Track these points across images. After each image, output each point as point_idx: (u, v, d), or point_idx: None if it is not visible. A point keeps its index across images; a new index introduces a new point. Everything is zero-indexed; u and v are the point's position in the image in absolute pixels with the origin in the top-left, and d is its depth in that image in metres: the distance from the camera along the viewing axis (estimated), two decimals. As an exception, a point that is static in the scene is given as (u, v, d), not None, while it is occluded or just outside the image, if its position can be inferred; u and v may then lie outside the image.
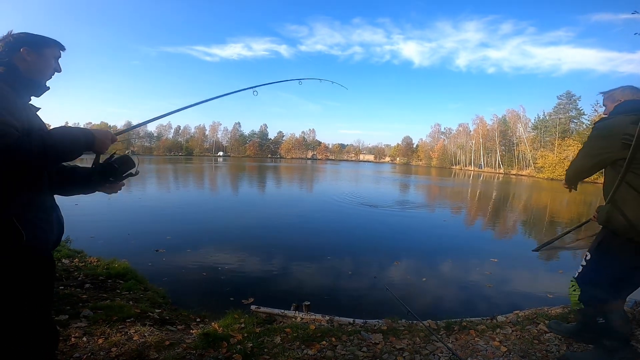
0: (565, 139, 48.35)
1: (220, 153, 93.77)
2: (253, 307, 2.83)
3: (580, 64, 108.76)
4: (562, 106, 54.00)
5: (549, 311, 2.74)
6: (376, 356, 1.98)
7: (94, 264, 4.06)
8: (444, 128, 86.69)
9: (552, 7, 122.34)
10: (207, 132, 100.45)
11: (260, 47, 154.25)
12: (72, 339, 1.97)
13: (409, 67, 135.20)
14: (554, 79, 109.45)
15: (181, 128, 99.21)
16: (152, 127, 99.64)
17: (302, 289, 4.32)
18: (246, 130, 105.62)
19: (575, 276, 1.96)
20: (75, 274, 3.64)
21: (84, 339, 2.00)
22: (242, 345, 2.06)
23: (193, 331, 2.34)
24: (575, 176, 2.01)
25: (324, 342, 2.14)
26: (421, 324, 2.27)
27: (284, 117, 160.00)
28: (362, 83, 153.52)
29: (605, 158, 1.76)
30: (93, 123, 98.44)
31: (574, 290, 1.95)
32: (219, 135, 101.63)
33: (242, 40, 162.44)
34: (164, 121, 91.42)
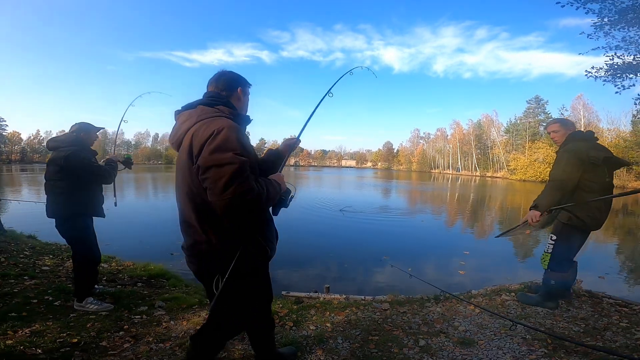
0: (535, 141, 51.14)
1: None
2: (283, 292, 3.55)
3: (550, 68, 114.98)
4: (531, 110, 57.21)
5: (510, 286, 3.61)
6: (387, 317, 2.78)
7: (131, 267, 4.65)
8: (423, 133, 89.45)
9: (523, 12, 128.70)
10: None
11: (241, 53, 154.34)
12: (164, 324, 2.64)
13: (389, 72, 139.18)
14: (524, 83, 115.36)
15: (159, 136, 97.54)
16: (129, 135, 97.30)
17: (312, 279, 5.09)
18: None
19: (548, 250, 2.93)
20: (120, 275, 4.23)
21: (172, 322, 2.66)
22: (288, 316, 2.79)
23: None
24: (567, 187, 2.77)
25: (347, 311, 2.91)
26: (419, 295, 3.10)
27: (265, 124, 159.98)
28: (343, 89, 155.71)
29: (579, 173, 2.73)
30: (66, 130, 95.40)
31: (544, 260, 2.96)
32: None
33: (223, 46, 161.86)
34: (142, 129, 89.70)
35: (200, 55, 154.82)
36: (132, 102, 3.67)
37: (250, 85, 1.65)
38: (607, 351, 2.20)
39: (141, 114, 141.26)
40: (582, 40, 7.50)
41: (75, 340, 2.29)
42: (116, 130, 3.81)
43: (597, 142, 2.97)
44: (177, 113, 1.57)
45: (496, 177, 54.80)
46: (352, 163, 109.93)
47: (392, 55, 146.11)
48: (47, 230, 6.55)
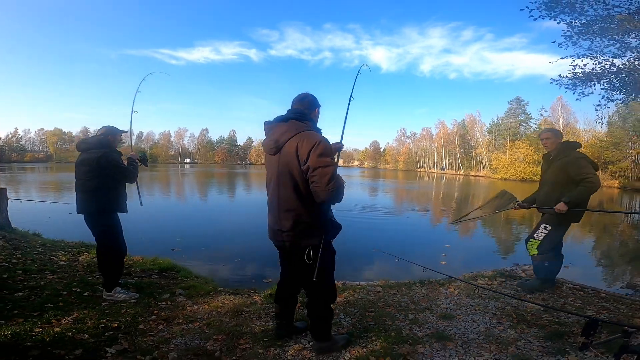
0: (516, 141, 52.92)
1: (187, 160, 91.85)
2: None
3: (532, 69, 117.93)
4: (512, 111, 59.16)
5: (484, 273, 4.14)
6: (380, 298, 3.25)
7: (141, 261, 4.96)
8: (409, 132, 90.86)
9: (508, 13, 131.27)
10: (172, 139, 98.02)
11: (229, 51, 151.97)
12: (188, 308, 3.01)
13: (377, 72, 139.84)
14: (508, 84, 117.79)
15: (144, 134, 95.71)
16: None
17: None
18: (214, 136, 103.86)
19: (539, 238, 3.45)
20: (133, 269, 4.55)
21: (195, 306, 3.04)
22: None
23: (254, 297, 3.45)
24: (594, 189, 3.29)
25: (345, 293, 3.35)
26: (406, 280, 3.59)
27: (253, 123, 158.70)
28: (331, 88, 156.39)
29: None
30: (45, 129, 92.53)
31: (532, 245, 3.50)
32: (185, 142, 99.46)
33: (210, 44, 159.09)
34: (124, 127, 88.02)
35: (187, 53, 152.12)
36: (138, 87, 3.89)
37: (321, 105, 2.22)
38: (561, 310, 2.74)
39: (122, 111, 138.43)
40: (557, 39, 8.08)
41: (116, 325, 2.58)
42: (129, 123, 3.93)
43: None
44: (269, 124, 2.13)
45: (479, 176, 56.43)
46: (340, 162, 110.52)
47: (380, 55, 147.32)
48: (48, 227, 6.80)
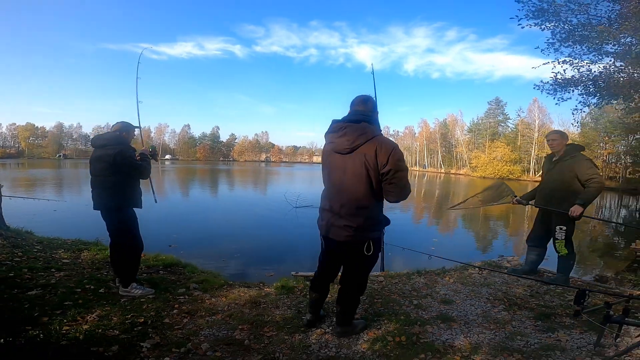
0: (494, 141, 54.74)
1: (168, 156, 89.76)
2: (293, 272, 4.19)
3: (512, 70, 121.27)
4: (491, 111, 61.15)
5: (474, 263, 4.48)
6: (384, 286, 3.51)
7: (143, 257, 5.00)
8: (393, 130, 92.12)
9: (491, 14, 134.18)
10: (152, 135, 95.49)
11: (213, 47, 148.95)
12: (207, 301, 3.15)
13: (362, 70, 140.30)
14: (488, 84, 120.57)
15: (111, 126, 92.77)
16: (88, 129, 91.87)
17: (308, 263, 5.73)
18: (196, 132, 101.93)
19: (561, 238, 3.66)
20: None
21: (213, 299, 3.18)
22: (305, 289, 3.43)
23: (266, 289, 3.63)
24: (602, 189, 3.59)
25: (351, 285, 3.60)
26: (405, 271, 3.87)
27: (237, 119, 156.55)
28: (317, 85, 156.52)
29: None
30: (17, 124, 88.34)
31: (560, 246, 3.68)
32: (165, 138, 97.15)
33: (193, 39, 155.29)
34: (101, 122, 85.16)
35: (169, 47, 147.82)
36: (137, 72, 3.97)
37: None
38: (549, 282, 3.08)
39: (99, 106, 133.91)
40: (541, 44, 8.56)
41: (142, 320, 2.64)
42: (137, 117, 3.93)
43: None
44: (337, 122, 2.30)
45: (459, 174, 58.06)
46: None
47: (365, 53, 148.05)
48: (35, 225, 6.70)
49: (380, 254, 2.38)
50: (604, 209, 19.83)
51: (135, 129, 3.62)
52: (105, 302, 3.05)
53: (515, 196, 4.04)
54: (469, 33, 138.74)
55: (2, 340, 2.08)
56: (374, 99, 2.37)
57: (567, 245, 3.67)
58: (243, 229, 9.39)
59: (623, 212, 19.25)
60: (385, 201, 2.27)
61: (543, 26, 8.16)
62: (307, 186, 24.17)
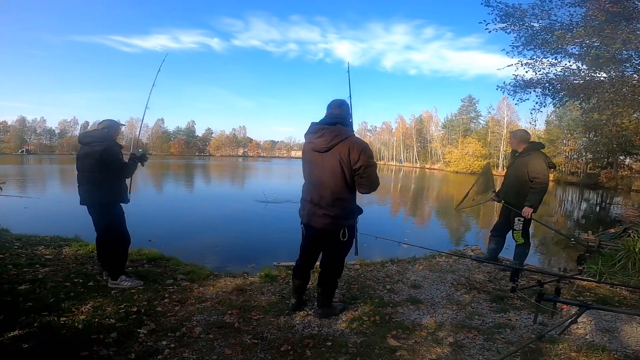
0: (467, 137, 56.75)
1: (140, 150, 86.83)
2: (275, 263, 4.44)
3: (485, 69, 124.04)
4: (465, 108, 63.25)
5: (442, 253, 4.90)
6: (360, 274, 3.85)
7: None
8: (370, 126, 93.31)
9: (468, 13, 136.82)
10: (123, 129, 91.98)
11: (189, 40, 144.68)
12: (195, 290, 3.34)
13: (341, 66, 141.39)
14: (462, 82, 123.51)
15: (90, 124, 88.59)
16: (53, 124, 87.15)
17: (287, 254, 5.98)
18: (171, 126, 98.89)
19: (519, 229, 4.02)
20: (122, 260, 4.73)
21: (201, 288, 3.39)
22: (288, 277, 3.69)
23: (251, 278, 3.86)
24: (545, 190, 3.94)
25: (330, 274, 3.90)
26: (379, 259, 4.23)
27: (213, 114, 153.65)
28: (295, 80, 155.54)
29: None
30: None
31: (517, 235, 4.06)
32: (137, 132, 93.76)
33: (168, 32, 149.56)
34: (68, 117, 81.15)
35: (142, 40, 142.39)
36: (154, 81, 4.23)
37: None
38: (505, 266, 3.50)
39: (65, 99, 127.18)
40: (506, 45, 9.12)
41: (135, 309, 2.78)
42: (141, 119, 4.26)
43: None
44: (315, 125, 2.58)
45: (434, 169, 59.90)
46: (301, 154, 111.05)
47: (345, 49, 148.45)
48: (7, 222, 6.56)
49: (354, 240, 2.66)
50: (566, 203, 21.23)
51: (122, 127, 3.73)
52: (97, 294, 3.16)
53: (494, 192, 4.43)
54: (446, 31, 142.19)
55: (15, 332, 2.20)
56: (349, 99, 2.70)
57: (523, 235, 4.11)
58: (221, 223, 9.50)
59: (584, 205, 20.68)
60: (358, 193, 2.59)
61: (509, 30, 8.73)
62: (284, 181, 24.36)
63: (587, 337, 2.50)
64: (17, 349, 2.08)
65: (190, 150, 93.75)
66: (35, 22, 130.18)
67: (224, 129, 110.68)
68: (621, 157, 31.39)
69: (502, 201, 4.27)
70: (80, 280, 3.53)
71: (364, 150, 2.41)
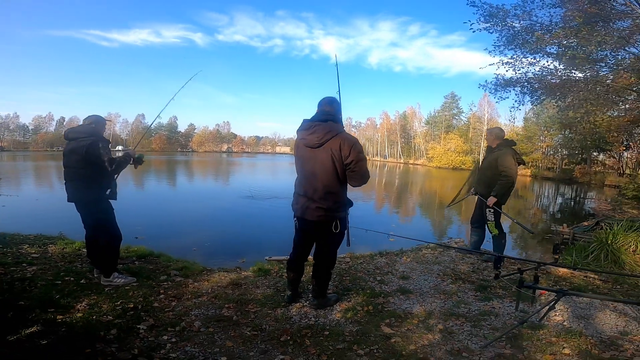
0: (449, 133, 57.89)
1: (119, 147, 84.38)
2: (266, 257, 4.51)
3: (467, 67, 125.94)
4: (447, 105, 64.45)
5: (427, 246, 5.08)
6: (351, 266, 3.98)
7: (116, 251, 5.08)
8: (355, 121, 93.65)
9: (452, 11, 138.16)
10: (92, 125, 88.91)
11: (171, 34, 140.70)
12: (190, 285, 3.37)
13: (326, 62, 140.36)
14: (445, 79, 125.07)
15: (66, 120, 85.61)
16: (27, 119, 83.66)
17: (271, 247, 6.07)
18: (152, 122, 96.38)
19: (491, 220, 4.29)
20: (111, 258, 4.69)
21: (196, 284, 3.42)
22: (281, 271, 3.78)
23: (244, 272, 3.93)
24: (511, 184, 4.23)
25: (322, 267, 4.01)
26: (368, 252, 4.37)
27: (196, 109, 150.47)
28: (280, 76, 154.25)
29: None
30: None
31: (491, 226, 4.31)
32: (117, 128, 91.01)
33: (149, 26, 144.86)
34: (42, 112, 77.86)
35: (122, 35, 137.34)
36: (177, 93, 4.16)
37: None
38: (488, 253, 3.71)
39: (40, 95, 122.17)
40: (489, 44, 9.43)
41: (132, 305, 2.77)
42: (150, 125, 4.12)
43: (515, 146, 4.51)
44: (307, 121, 2.67)
45: (417, 164, 60.88)
46: (287, 149, 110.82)
47: (330, 45, 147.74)
48: None
49: (346, 231, 2.78)
50: (543, 197, 22.08)
51: (107, 122, 3.70)
52: (90, 291, 3.13)
53: (474, 187, 4.70)
54: (430, 29, 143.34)
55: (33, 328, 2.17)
56: (338, 94, 2.84)
57: (497, 226, 4.36)
58: (207, 219, 9.47)
59: (559, 199, 21.56)
60: (349, 187, 2.71)
61: (492, 30, 9.03)
62: (269, 177, 24.31)
63: (565, 323, 2.69)
64: (35, 346, 2.07)
65: (172, 146, 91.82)
66: (6, 16, 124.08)
67: (208, 124, 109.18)
68: (594, 154, 32.77)
69: (477, 193, 4.54)
70: (72, 279, 3.49)
71: (354, 145, 2.52)
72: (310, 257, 3.02)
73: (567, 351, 2.22)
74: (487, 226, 4.41)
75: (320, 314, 2.78)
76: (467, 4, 8.47)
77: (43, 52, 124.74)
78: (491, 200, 4.21)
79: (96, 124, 3.43)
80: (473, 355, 2.20)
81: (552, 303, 2.27)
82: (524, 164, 4.58)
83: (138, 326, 2.50)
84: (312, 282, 2.92)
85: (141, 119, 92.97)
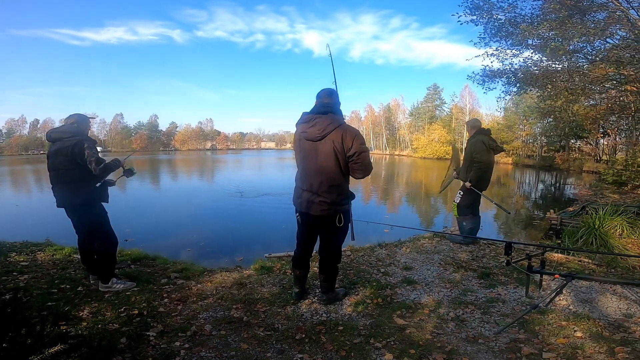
0: (432, 124, 58.66)
1: (99, 148, 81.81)
2: (266, 254, 4.48)
3: (448, 58, 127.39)
4: (430, 96, 65.16)
5: (424, 236, 5.15)
6: (352, 260, 4.00)
7: (109, 255, 4.92)
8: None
9: (432, 4, 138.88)
10: (75, 124, 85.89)
11: (148, 32, 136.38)
12: (193, 288, 3.29)
13: (309, 56, 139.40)
14: (427, 71, 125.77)
15: (40, 122, 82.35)
16: None
17: (268, 244, 6.01)
18: (131, 121, 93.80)
19: (456, 201, 4.58)
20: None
21: (199, 285, 3.34)
22: (283, 267, 3.76)
23: (245, 272, 3.87)
24: (484, 169, 4.45)
25: (325, 262, 4.00)
26: (368, 245, 4.40)
27: (178, 107, 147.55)
28: (263, 71, 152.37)
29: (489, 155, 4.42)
30: None
31: (454, 207, 4.63)
32: (94, 129, 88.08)
33: (125, 24, 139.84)
34: (15, 115, 74.63)
35: (95, 33, 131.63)
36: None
37: None
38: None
39: (9, 97, 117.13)
40: (474, 34, 9.61)
41: (136, 311, 2.68)
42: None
43: (490, 134, 4.67)
44: (307, 114, 2.63)
45: (402, 155, 61.56)
46: (272, 145, 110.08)
47: (313, 39, 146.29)
48: None
49: (350, 225, 2.76)
50: (524, 184, 22.69)
51: (91, 121, 3.55)
52: (90, 299, 3.02)
53: (455, 169, 4.95)
54: (412, 21, 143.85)
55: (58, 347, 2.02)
56: (335, 84, 2.83)
57: (459, 209, 4.67)
58: (197, 219, 9.26)
59: (540, 186, 22.21)
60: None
61: (478, 22, 9.16)
62: (256, 173, 24.09)
63: (571, 307, 2.78)
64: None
65: (154, 146, 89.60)
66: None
67: (190, 122, 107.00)
68: (572, 141, 33.83)
69: (459, 178, 4.83)
70: (68, 286, 3.36)
71: (357, 136, 2.50)
72: (314, 253, 3.00)
73: (579, 334, 2.29)
74: (453, 207, 4.80)
75: (331, 309, 2.78)
76: None
77: (8, 52, 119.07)
78: (467, 184, 4.51)
79: (79, 122, 3.26)
80: (489, 341, 2.24)
81: (560, 288, 2.33)
82: (503, 151, 4.86)
83: (147, 333, 2.42)
84: (320, 278, 2.90)
85: (119, 118, 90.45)
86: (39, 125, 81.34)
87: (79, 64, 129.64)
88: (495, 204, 5.07)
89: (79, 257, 3.90)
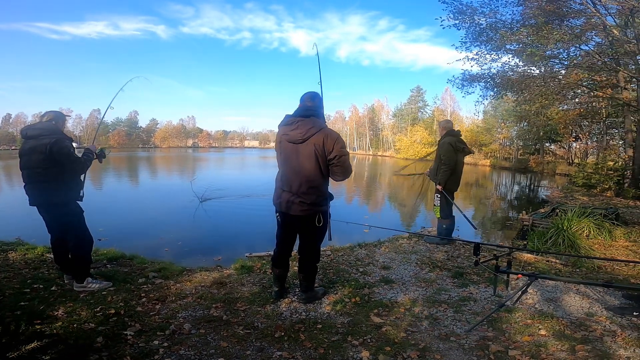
0: (415, 125, 59.72)
1: (75, 144, 78.64)
2: (246, 254, 4.48)
3: (431, 61, 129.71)
4: (413, 98, 66.31)
5: (402, 236, 5.28)
6: (332, 259, 4.07)
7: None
8: (325, 114, 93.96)
9: (419, 7, 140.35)
10: (53, 121, 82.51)
11: (130, 27, 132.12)
12: (172, 287, 3.26)
13: (296, 55, 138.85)
14: (411, 73, 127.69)
15: (12, 117, 78.68)
16: (-31, 117, 76.19)
17: (247, 244, 6.00)
18: (109, 117, 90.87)
19: (436, 204, 4.70)
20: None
21: (178, 285, 3.31)
22: (263, 267, 3.78)
23: (225, 271, 3.87)
24: (452, 167, 4.59)
25: (305, 262, 4.05)
26: (348, 244, 4.49)
27: (159, 104, 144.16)
28: (249, 69, 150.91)
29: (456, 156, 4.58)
30: None
31: (436, 211, 4.73)
32: (69, 124, 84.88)
33: (107, 18, 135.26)
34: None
35: (74, 27, 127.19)
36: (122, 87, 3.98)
37: None
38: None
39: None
40: (457, 37, 9.95)
41: (113, 311, 2.64)
42: (100, 118, 3.96)
43: (460, 136, 4.85)
44: (290, 117, 2.70)
45: (385, 156, 62.37)
46: (256, 144, 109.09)
47: (300, 38, 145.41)
48: None
49: (328, 225, 2.85)
50: (500, 187, 23.42)
51: (67, 118, 3.49)
52: (64, 299, 2.96)
53: (428, 170, 5.10)
54: (398, 23, 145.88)
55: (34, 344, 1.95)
56: (320, 85, 3.00)
57: (442, 212, 4.76)
58: (173, 218, 9.09)
59: (516, 187, 22.99)
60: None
61: (460, 26, 9.44)
62: (238, 173, 23.85)
63: (536, 306, 2.93)
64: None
65: (132, 142, 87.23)
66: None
67: (171, 119, 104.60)
68: (546, 144, 35.19)
69: (430, 178, 5.02)
70: (41, 286, 3.28)
71: (337, 140, 2.58)
72: (294, 252, 3.06)
73: (543, 332, 2.44)
74: (434, 211, 4.89)
75: (310, 307, 2.83)
76: (439, 0, 8.76)
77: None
78: (438, 187, 4.70)
79: (56, 120, 3.19)
80: (460, 339, 2.35)
81: (525, 287, 2.47)
82: (471, 153, 5.07)
83: (125, 332, 2.40)
84: (299, 277, 2.95)
85: (96, 114, 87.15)
86: (11, 120, 77.65)
87: (56, 59, 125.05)
88: (464, 216, 5.24)
89: (52, 256, 3.80)
